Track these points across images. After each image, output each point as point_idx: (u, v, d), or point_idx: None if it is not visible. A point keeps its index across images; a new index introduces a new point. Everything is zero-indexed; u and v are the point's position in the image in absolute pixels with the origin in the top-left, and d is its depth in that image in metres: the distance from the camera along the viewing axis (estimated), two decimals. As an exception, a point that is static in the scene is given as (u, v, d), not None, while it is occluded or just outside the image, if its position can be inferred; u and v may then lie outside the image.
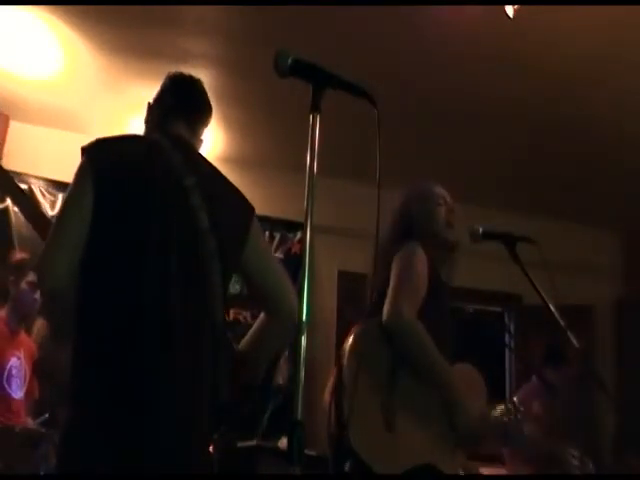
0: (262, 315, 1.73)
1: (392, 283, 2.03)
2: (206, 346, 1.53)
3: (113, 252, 1.50)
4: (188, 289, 1.51)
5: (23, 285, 3.31)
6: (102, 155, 1.56)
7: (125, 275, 1.49)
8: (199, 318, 1.52)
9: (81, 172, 1.52)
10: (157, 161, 1.61)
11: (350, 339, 2.00)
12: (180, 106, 1.77)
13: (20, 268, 3.37)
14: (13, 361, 3.29)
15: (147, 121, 1.79)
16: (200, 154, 1.74)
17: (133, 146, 1.66)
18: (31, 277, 3.28)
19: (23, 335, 3.43)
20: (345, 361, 1.95)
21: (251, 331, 1.73)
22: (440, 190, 2.34)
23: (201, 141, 1.82)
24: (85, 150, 1.55)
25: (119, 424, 1.40)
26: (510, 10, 2.94)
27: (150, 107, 1.80)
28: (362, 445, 1.89)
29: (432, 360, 1.99)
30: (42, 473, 2.97)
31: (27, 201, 3.55)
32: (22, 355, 3.36)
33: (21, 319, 3.39)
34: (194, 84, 1.83)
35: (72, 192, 1.52)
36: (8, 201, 4.21)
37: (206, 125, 1.83)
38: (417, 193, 2.36)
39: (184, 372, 1.46)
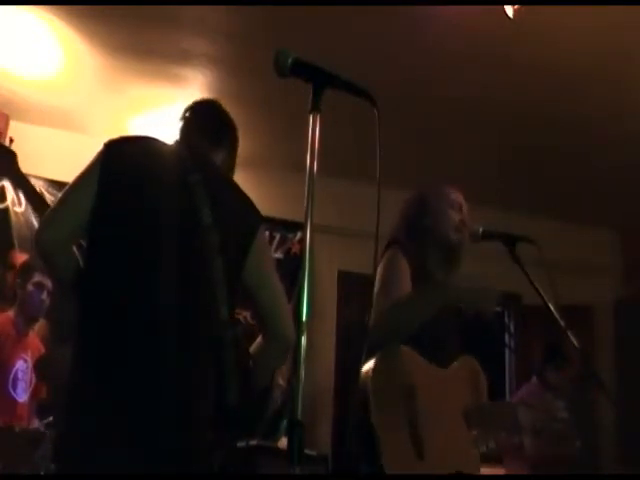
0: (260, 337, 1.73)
1: (375, 291, 2.05)
2: (205, 345, 1.51)
3: (111, 247, 1.53)
4: (186, 286, 1.50)
5: (30, 287, 3.33)
6: (115, 148, 1.62)
7: (123, 272, 1.50)
8: (197, 315, 1.51)
9: (95, 159, 1.61)
10: (163, 158, 1.64)
11: (370, 368, 1.94)
12: (199, 128, 1.81)
13: (26, 270, 3.39)
14: (19, 364, 3.30)
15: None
16: (211, 159, 1.75)
17: (145, 143, 1.69)
18: (37, 278, 3.29)
19: (32, 336, 3.44)
20: (370, 394, 1.90)
21: (252, 348, 1.73)
22: (457, 196, 2.34)
23: (227, 158, 1.83)
24: (106, 143, 1.63)
25: (113, 425, 1.40)
26: (510, 10, 2.94)
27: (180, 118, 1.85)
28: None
29: (410, 312, 1.98)
30: (42, 473, 2.98)
31: (28, 184, 3.66)
32: (29, 357, 3.36)
33: (29, 321, 3.39)
34: (211, 106, 1.89)
35: (81, 173, 1.60)
36: (8, 201, 4.21)
37: (230, 145, 1.85)
38: (433, 191, 2.36)
39: (178, 372, 1.45)
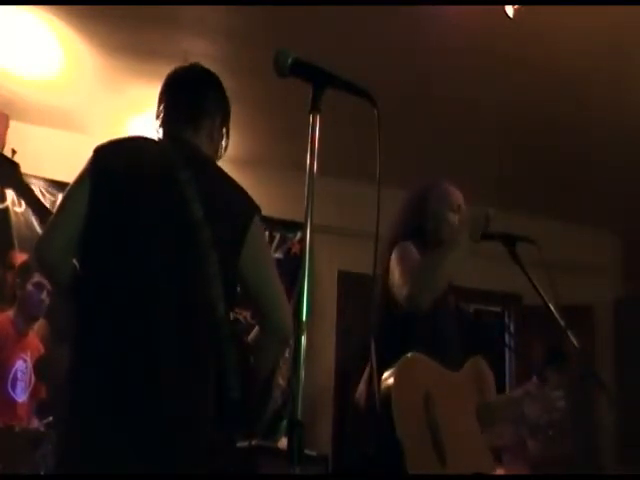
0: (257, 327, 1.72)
1: (398, 273, 2.08)
2: (205, 343, 1.51)
3: (106, 250, 1.54)
4: (182, 284, 1.50)
5: (29, 287, 3.33)
6: (104, 152, 1.63)
7: (118, 274, 1.51)
8: (195, 313, 1.51)
9: (85, 166, 1.62)
10: (153, 158, 1.64)
11: (391, 379, 1.95)
12: (175, 107, 1.77)
13: (25, 270, 3.39)
14: (19, 364, 3.30)
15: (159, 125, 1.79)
16: (201, 152, 1.73)
17: (133, 144, 1.70)
18: (36, 278, 3.30)
19: (31, 336, 3.44)
20: (393, 404, 1.90)
21: (249, 337, 1.72)
22: (457, 197, 2.35)
23: (211, 133, 1.77)
24: (95, 149, 1.63)
25: (113, 425, 1.40)
26: (510, 10, 2.94)
27: (157, 112, 1.81)
28: None
29: (437, 265, 2.06)
30: (42, 473, 2.98)
31: (31, 193, 3.72)
32: (29, 357, 3.36)
33: (28, 320, 3.40)
34: (183, 77, 1.81)
35: (74, 181, 1.62)
36: (8, 201, 4.21)
37: (211, 114, 1.77)
38: (433, 193, 2.36)
39: (178, 371, 1.45)
